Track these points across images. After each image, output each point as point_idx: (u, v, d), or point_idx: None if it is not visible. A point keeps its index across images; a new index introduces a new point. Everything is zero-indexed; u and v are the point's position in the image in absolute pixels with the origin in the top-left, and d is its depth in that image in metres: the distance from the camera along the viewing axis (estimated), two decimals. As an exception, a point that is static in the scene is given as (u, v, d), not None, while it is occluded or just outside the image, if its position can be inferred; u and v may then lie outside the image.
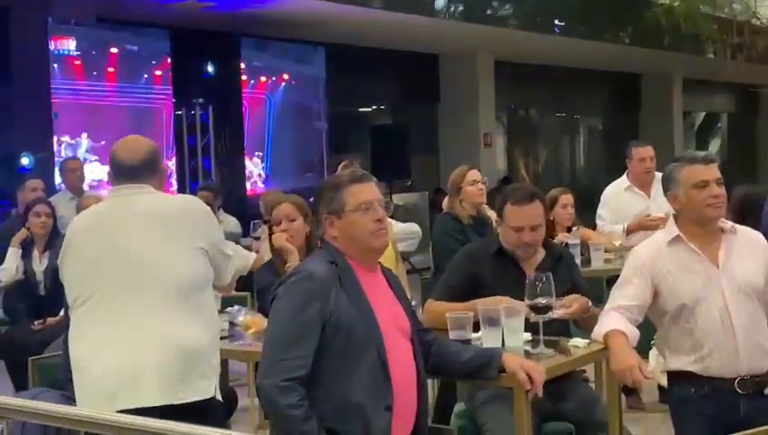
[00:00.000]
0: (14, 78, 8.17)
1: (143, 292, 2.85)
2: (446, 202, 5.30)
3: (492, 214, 4.82)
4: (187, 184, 9.65)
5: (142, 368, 2.80)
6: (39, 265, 5.56)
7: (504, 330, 3.06)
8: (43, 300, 5.51)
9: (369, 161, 10.28)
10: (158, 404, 2.74)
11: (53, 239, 5.44)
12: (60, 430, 3.06)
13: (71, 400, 3.08)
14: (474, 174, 5.07)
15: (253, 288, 5.48)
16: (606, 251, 5.46)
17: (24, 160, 7.95)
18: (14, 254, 5.56)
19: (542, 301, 3.07)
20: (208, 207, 3.08)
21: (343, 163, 5.54)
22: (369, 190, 2.80)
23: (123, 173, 2.98)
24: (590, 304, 3.30)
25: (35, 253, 5.56)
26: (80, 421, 1.98)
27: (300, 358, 2.55)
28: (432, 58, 13.08)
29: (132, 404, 2.71)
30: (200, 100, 9.46)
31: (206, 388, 2.86)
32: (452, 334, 3.13)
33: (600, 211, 5.86)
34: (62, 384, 3.67)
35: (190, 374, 2.82)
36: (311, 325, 2.57)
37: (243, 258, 4.97)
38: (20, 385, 5.02)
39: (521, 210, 3.41)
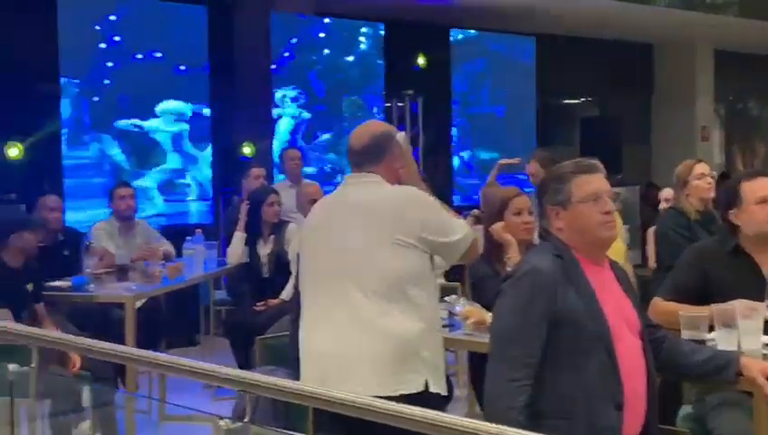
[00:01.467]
0: (237, 70, 8.57)
1: (350, 284, 2.89)
2: (662, 195, 5.12)
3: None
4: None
5: (351, 357, 2.86)
6: (264, 248, 5.83)
7: (740, 332, 2.90)
8: (265, 283, 5.77)
9: (578, 153, 10.09)
10: (364, 394, 2.78)
11: (278, 225, 5.72)
12: (288, 406, 3.22)
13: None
14: (702, 167, 4.86)
15: (463, 278, 5.53)
16: None
17: (246, 150, 8.34)
18: (240, 239, 5.86)
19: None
20: (422, 200, 2.98)
21: None
22: (598, 181, 2.71)
23: (350, 159, 3.06)
24: None
25: (261, 237, 5.83)
26: (316, 398, 2.03)
27: (527, 355, 2.50)
28: (646, 47, 12.64)
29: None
30: (410, 91, 9.57)
31: (415, 381, 2.85)
32: (685, 334, 2.99)
33: None
34: (289, 363, 3.83)
35: (398, 367, 2.84)
36: (538, 321, 2.52)
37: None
38: (243, 363, 5.29)
39: (759, 181, 3.25)
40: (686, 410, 3.33)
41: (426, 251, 2.93)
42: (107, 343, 2.89)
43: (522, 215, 3.83)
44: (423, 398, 2.83)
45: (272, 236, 5.80)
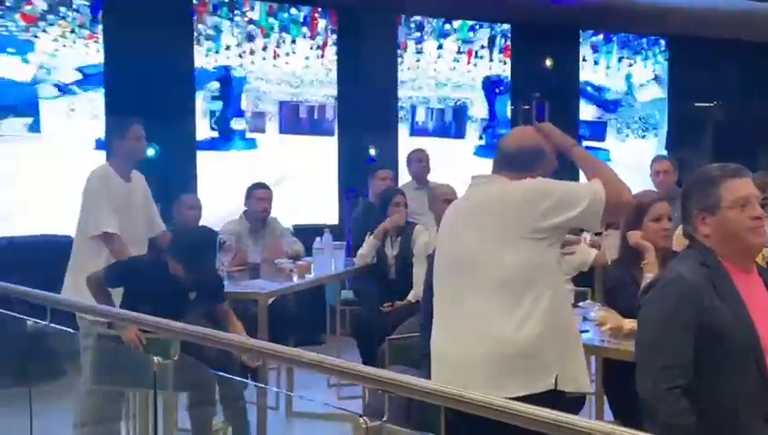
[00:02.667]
0: (363, 76, 8.66)
1: (469, 285, 2.91)
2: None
3: None
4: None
5: (471, 359, 2.87)
6: (391, 250, 5.87)
7: None
8: (392, 284, 5.81)
9: (710, 157, 9.77)
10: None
11: (406, 227, 5.74)
12: (421, 407, 3.24)
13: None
14: None
15: (593, 284, 5.44)
16: None
17: (371, 151, 8.42)
18: (373, 245, 5.89)
19: None
20: (537, 188, 2.91)
21: None
22: (746, 186, 2.63)
23: (499, 161, 3.07)
24: None
25: (388, 239, 5.87)
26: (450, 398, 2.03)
27: (679, 361, 2.43)
28: (783, 49, 12.13)
29: None
30: (537, 94, 9.47)
31: (533, 383, 2.82)
32: None
33: None
34: (417, 364, 3.85)
35: (516, 369, 2.82)
36: (684, 330, 2.45)
37: (584, 254, 4.92)
38: (368, 363, 5.33)
39: None
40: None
41: (555, 241, 2.89)
42: (248, 337, 2.97)
43: (661, 221, 3.73)
44: (551, 398, 2.79)
45: (399, 238, 5.83)
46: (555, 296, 2.90)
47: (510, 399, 2.62)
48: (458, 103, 9.55)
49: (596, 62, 10.47)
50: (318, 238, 5.94)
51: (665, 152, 10.08)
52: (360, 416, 2.35)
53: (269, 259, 5.57)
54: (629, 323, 3.42)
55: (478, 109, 9.69)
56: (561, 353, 2.90)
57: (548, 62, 9.87)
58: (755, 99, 12.06)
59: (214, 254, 4.58)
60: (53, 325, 3.51)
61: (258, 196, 5.86)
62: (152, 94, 6.97)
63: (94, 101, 7.28)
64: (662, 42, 10.77)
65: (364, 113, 8.51)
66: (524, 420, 1.80)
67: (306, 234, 6.50)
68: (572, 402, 2.99)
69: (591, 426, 1.70)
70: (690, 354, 2.43)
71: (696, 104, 11.82)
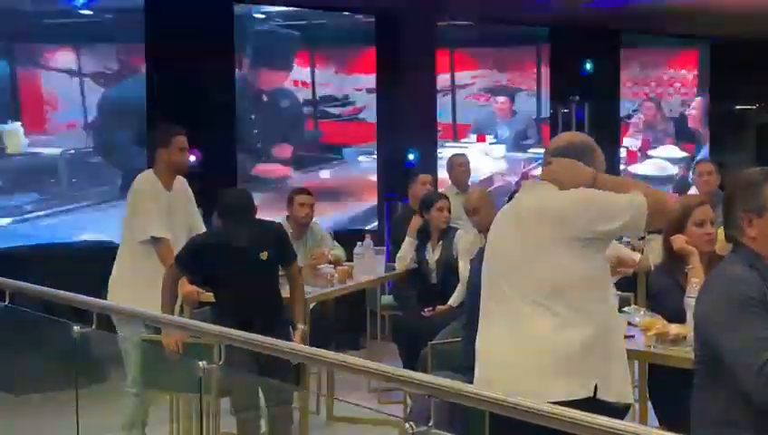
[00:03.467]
0: (403, 80, 8.67)
1: (511, 290, 2.92)
2: None
3: None
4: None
5: (514, 360, 2.88)
6: (432, 254, 5.87)
7: None
8: (434, 288, 5.80)
9: (753, 160, 9.65)
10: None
11: (447, 231, 5.74)
12: (466, 412, 3.24)
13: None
14: None
15: (636, 289, 5.40)
16: None
17: (411, 156, 8.43)
18: (410, 244, 5.92)
19: None
20: (583, 197, 2.90)
21: None
22: None
23: (545, 159, 3.08)
24: None
25: (430, 243, 5.87)
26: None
27: (764, 331, 2.40)
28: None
29: None
30: (577, 97, 9.42)
31: (582, 388, 2.80)
32: None
33: None
34: (461, 370, 3.84)
35: (558, 373, 2.81)
36: (760, 306, 2.43)
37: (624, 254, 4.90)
38: (410, 368, 5.32)
39: None
40: None
41: (600, 248, 2.89)
42: (291, 343, 2.99)
43: (704, 226, 3.69)
44: (590, 406, 2.76)
45: (440, 242, 5.83)
46: (601, 301, 2.89)
47: (550, 403, 2.68)
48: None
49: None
50: (359, 243, 5.96)
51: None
52: (406, 421, 2.35)
53: (312, 265, 5.58)
54: (675, 328, 3.39)
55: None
56: (603, 361, 2.87)
57: (587, 66, 9.81)
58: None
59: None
60: (99, 331, 3.57)
61: (300, 201, 5.88)
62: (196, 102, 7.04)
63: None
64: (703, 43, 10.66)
65: (405, 117, 8.53)
66: (565, 423, 1.80)
67: (347, 239, 6.53)
68: (613, 413, 2.95)
69: (637, 431, 1.70)
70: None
71: (737, 107, 11.70)
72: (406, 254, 5.91)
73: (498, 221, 3.14)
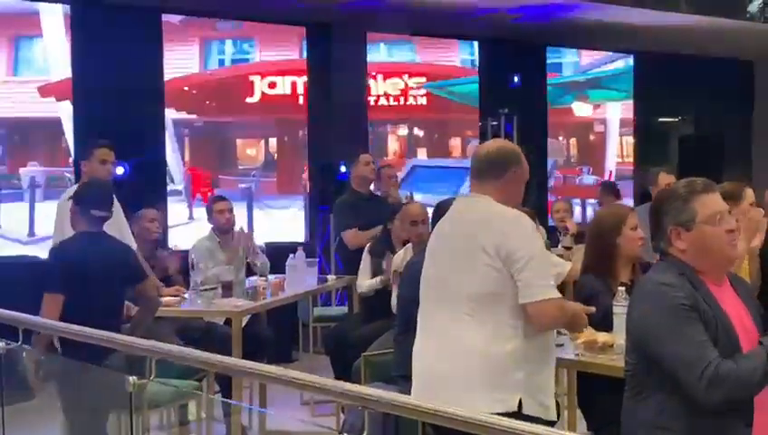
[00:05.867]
0: (333, 90, 8.68)
1: (444, 304, 2.97)
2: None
3: None
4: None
5: (442, 376, 2.92)
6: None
7: None
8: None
9: (676, 173, 9.89)
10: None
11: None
12: (398, 423, 3.26)
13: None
14: None
15: (565, 296, 5.46)
16: None
17: (342, 168, 8.42)
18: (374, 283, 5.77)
19: None
20: (515, 225, 2.92)
21: None
22: (718, 200, 2.68)
23: (472, 168, 3.09)
24: None
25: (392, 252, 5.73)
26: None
27: (699, 337, 2.47)
28: (747, 65, 12.34)
29: None
30: (506, 110, 9.55)
31: (506, 401, 2.84)
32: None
33: None
34: (394, 380, 3.86)
35: (486, 386, 2.85)
36: (693, 312, 2.50)
37: (560, 266, 4.95)
38: (343, 380, 5.31)
39: None
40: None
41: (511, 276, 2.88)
42: (226, 356, 2.97)
43: (637, 230, 3.79)
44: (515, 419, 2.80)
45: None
46: (526, 315, 2.90)
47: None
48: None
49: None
50: (291, 255, 5.93)
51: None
52: (340, 433, 2.36)
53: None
54: (603, 337, 3.45)
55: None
56: (531, 375, 2.91)
57: (515, 79, 9.95)
58: (721, 114, 12.26)
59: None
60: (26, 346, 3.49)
61: (218, 208, 5.85)
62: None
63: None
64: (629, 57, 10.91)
65: (335, 129, 8.53)
66: (497, 432, 1.82)
67: (278, 252, 6.50)
68: (545, 423, 2.99)
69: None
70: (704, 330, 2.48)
71: (661, 119, 11.99)
72: (369, 290, 5.73)
73: (435, 234, 3.17)
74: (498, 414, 2.58)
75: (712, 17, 9.56)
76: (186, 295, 5.33)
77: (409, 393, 3.05)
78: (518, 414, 2.81)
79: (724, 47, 11.14)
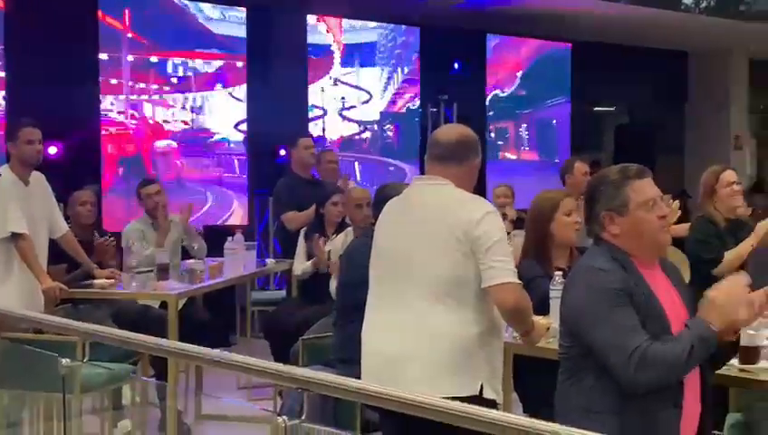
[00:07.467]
0: (273, 75, 8.60)
1: (407, 286, 2.93)
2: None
3: None
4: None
5: (405, 359, 2.89)
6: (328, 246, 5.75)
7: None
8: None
9: (611, 161, 10.05)
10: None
11: (342, 226, 5.65)
12: (336, 406, 3.25)
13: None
14: (729, 175, 4.74)
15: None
16: None
17: (282, 152, 8.36)
18: (307, 266, 5.76)
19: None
20: (482, 210, 2.93)
21: None
22: (651, 186, 2.72)
23: (433, 153, 3.06)
24: None
25: (325, 237, 5.71)
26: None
27: (629, 321, 2.52)
28: (681, 55, 12.59)
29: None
30: (445, 97, 9.58)
31: (469, 385, 2.86)
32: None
33: None
34: (332, 363, 3.85)
35: (451, 370, 2.85)
36: (625, 297, 2.55)
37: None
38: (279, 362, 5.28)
39: None
40: (734, 417, 3.29)
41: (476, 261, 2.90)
42: (161, 338, 2.93)
43: (572, 215, 3.83)
44: (476, 403, 2.81)
45: (335, 236, 5.70)
46: (488, 300, 2.92)
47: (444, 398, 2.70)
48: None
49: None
50: (229, 238, 5.88)
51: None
52: (279, 415, 2.34)
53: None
54: (540, 320, 3.48)
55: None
56: (489, 359, 2.94)
57: (456, 66, 9.99)
58: (656, 104, 12.49)
59: None
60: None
61: (146, 192, 5.77)
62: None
63: None
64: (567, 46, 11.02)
65: (276, 114, 8.46)
66: (451, 417, 1.82)
67: (216, 235, 6.44)
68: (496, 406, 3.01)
69: (520, 422, 1.73)
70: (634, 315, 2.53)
71: (596, 109, 12.16)
72: (303, 274, 5.73)
73: (388, 216, 3.13)
74: (461, 398, 2.60)
75: (649, 7, 9.71)
76: (120, 278, 5.25)
77: (349, 376, 3.05)
78: (479, 398, 2.83)
79: (659, 38, 11.33)
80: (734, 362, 2.85)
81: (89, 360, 4.21)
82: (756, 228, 4.56)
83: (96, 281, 5.12)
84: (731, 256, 4.47)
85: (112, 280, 5.16)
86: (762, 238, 4.54)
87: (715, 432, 2.91)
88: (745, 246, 4.48)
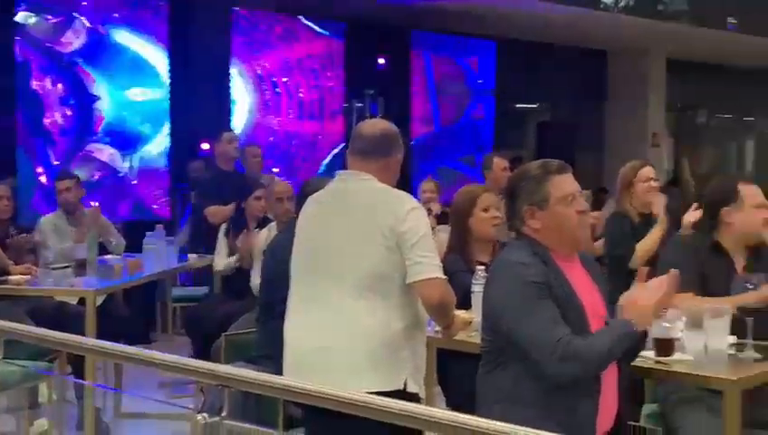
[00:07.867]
0: (196, 65, 8.49)
1: (331, 280, 2.91)
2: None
3: None
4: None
5: (329, 354, 2.87)
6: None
7: (707, 332, 2.95)
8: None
9: (533, 157, 10.19)
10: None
11: (264, 221, 5.59)
12: (258, 402, 3.22)
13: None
14: (647, 171, 4.80)
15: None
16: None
17: (205, 146, 8.27)
18: (230, 262, 5.69)
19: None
20: (407, 206, 2.92)
21: None
22: (572, 182, 2.77)
23: (355, 147, 3.04)
24: None
25: (247, 231, 5.65)
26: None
27: (550, 313, 2.57)
28: (600, 54, 12.82)
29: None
30: (371, 91, 9.59)
31: (394, 380, 2.86)
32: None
33: None
34: (255, 360, 3.82)
35: (376, 364, 2.85)
36: (545, 290, 2.60)
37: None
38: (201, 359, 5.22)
39: (755, 188, 3.35)
40: (649, 408, 3.37)
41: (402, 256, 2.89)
42: (77, 335, 2.87)
43: (490, 211, 3.86)
44: (401, 398, 2.81)
45: (257, 230, 5.64)
46: (414, 297, 2.92)
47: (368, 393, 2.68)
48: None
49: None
50: (149, 233, 5.77)
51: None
52: (199, 413, 2.32)
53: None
54: (461, 314, 3.51)
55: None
56: (413, 354, 2.94)
57: (381, 60, 10.01)
58: (576, 101, 12.71)
59: None
60: None
61: (63, 186, 5.64)
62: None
63: None
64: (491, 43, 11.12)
65: (198, 106, 8.36)
66: (377, 412, 1.82)
67: (136, 229, 6.33)
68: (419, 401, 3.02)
69: (444, 417, 1.74)
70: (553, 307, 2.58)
71: (518, 105, 12.31)
72: (228, 262, 5.66)
73: (310, 211, 3.10)
74: (385, 393, 2.56)
75: (568, 5, 9.86)
76: (36, 274, 5.12)
77: (272, 373, 3.02)
78: (402, 392, 2.83)
79: (580, 36, 11.52)
80: (650, 353, 2.91)
81: (4, 357, 4.09)
82: (659, 220, 4.65)
83: (11, 277, 4.99)
84: (642, 246, 4.56)
85: (28, 276, 5.04)
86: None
87: (631, 423, 2.97)
88: (654, 236, 4.57)
